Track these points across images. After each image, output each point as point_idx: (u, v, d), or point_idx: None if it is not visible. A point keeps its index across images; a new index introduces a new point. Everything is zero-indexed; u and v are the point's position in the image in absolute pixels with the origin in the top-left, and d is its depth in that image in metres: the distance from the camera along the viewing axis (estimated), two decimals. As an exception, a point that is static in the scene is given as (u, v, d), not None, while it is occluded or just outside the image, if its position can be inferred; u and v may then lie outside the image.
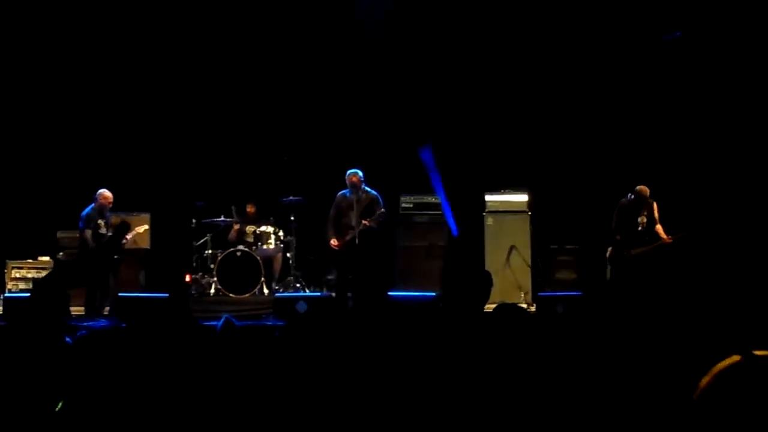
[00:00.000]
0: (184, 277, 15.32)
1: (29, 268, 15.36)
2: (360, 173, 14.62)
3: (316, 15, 16.90)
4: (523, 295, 15.03)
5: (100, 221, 14.32)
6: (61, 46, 16.66)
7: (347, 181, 14.61)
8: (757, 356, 3.37)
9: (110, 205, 14.40)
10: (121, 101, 16.87)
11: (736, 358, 3.38)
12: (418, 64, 16.80)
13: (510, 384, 5.06)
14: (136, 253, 15.45)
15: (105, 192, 14.38)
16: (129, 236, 14.49)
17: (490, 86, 16.64)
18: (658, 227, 14.23)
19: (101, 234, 14.27)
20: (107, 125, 16.82)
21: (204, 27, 16.87)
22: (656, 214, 14.23)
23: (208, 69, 17.00)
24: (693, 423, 3.37)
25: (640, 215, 14.20)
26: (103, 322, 13.68)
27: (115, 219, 14.51)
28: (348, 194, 14.62)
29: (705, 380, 3.36)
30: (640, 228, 14.23)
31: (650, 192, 14.09)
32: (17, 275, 15.27)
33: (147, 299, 13.87)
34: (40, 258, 15.52)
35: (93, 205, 14.37)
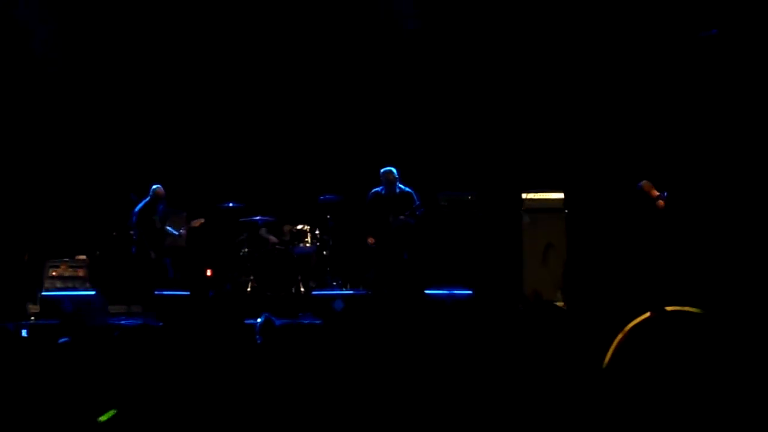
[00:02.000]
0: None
1: (67, 267, 15.42)
2: (395, 171, 14.66)
3: (350, 12, 16.91)
4: (559, 293, 14.96)
5: (154, 217, 14.93)
6: (112, 54, 16.79)
7: (382, 179, 14.66)
8: (668, 311, 3.37)
9: (163, 201, 14.82)
10: (154, 102, 16.94)
11: (647, 314, 3.39)
12: (454, 62, 16.78)
13: (540, 378, 5.05)
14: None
15: (159, 188, 15.05)
16: (182, 231, 14.97)
17: (527, 84, 16.60)
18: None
19: (156, 228, 14.66)
20: (144, 126, 16.90)
21: (247, 31, 16.93)
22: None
23: (243, 70, 17.03)
24: (609, 377, 3.38)
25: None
26: (138, 321, 13.77)
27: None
28: (383, 192, 14.66)
29: (619, 337, 3.37)
30: None
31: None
32: (54, 274, 15.33)
33: (179, 297, 13.96)
34: (77, 257, 15.58)
35: (147, 199, 14.99)
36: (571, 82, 16.43)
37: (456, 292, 14.58)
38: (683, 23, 15.61)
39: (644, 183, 14.35)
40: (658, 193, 14.19)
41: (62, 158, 16.64)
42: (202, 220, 15.42)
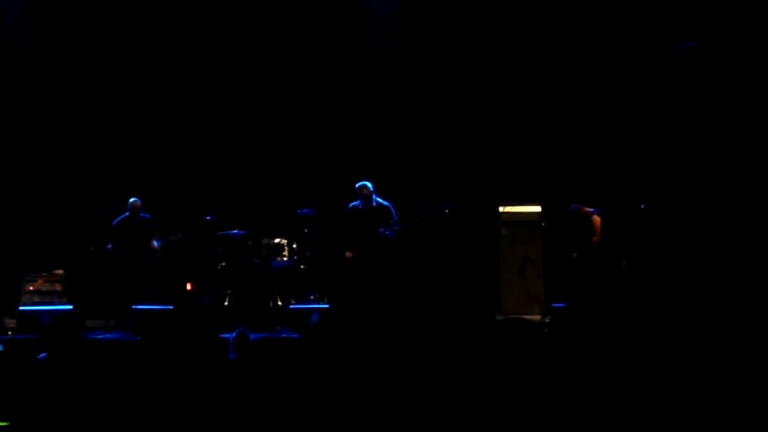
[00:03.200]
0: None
1: (44, 281, 15.37)
2: (370, 185, 14.69)
3: (323, 27, 16.97)
4: (536, 307, 14.98)
5: (133, 231, 14.97)
6: (86, 66, 16.80)
7: (358, 194, 14.69)
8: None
9: (140, 213, 15.03)
10: (132, 117, 16.93)
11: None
12: (431, 75, 16.83)
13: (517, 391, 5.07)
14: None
15: (135, 201, 15.11)
16: (158, 244, 14.97)
17: (504, 97, 16.66)
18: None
19: (134, 242, 14.84)
20: (122, 139, 16.87)
21: (221, 46, 16.97)
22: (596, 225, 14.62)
23: (220, 84, 17.04)
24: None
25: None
26: (116, 335, 13.74)
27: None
28: (360, 206, 14.70)
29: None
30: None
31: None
32: (31, 288, 15.28)
33: (158, 311, 13.92)
34: (54, 271, 15.53)
35: (125, 214, 15.11)
36: (547, 96, 16.50)
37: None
38: (659, 37, 15.73)
39: (577, 206, 14.65)
40: (590, 209, 14.48)
41: (39, 172, 16.59)
42: (180, 235, 15.40)
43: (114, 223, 15.06)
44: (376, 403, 5.06)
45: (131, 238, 14.98)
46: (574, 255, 14.79)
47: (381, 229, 14.55)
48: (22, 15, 16.63)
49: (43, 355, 6.14)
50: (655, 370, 5.52)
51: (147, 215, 15.21)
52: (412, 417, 5.00)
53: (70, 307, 14.39)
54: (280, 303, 14.95)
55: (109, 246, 15.00)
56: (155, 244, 15.13)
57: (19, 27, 16.61)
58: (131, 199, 15.05)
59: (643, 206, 14.37)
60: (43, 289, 15.33)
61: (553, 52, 16.46)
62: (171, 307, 14.23)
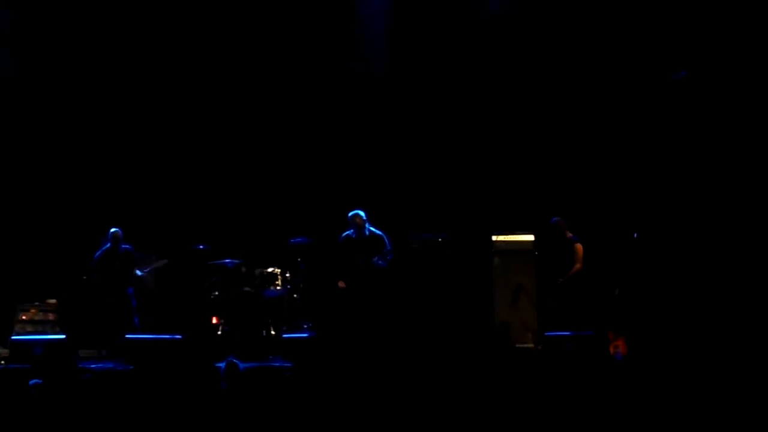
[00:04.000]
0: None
1: (37, 311, 15.35)
2: (363, 214, 14.69)
3: (315, 55, 17.03)
4: (529, 335, 14.97)
5: (116, 262, 14.85)
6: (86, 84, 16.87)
7: (351, 223, 14.69)
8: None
9: (121, 245, 14.92)
10: (123, 145, 16.96)
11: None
12: (424, 104, 16.88)
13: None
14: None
15: (116, 232, 14.96)
16: (146, 271, 14.94)
17: (497, 126, 16.71)
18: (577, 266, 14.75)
19: (117, 273, 14.71)
20: (113, 169, 16.89)
21: (214, 70, 17.02)
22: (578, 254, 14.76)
23: (213, 113, 17.08)
24: None
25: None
26: (109, 365, 13.69)
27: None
28: (353, 235, 14.70)
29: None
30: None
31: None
32: (24, 318, 15.26)
33: (159, 341, 13.85)
34: (47, 301, 15.52)
35: (107, 246, 14.94)
36: (540, 125, 16.55)
37: None
38: (651, 66, 15.80)
39: (558, 220, 14.79)
40: (571, 235, 14.63)
41: (32, 202, 16.59)
42: (166, 261, 15.39)
43: (97, 254, 15.01)
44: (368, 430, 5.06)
45: (114, 269, 14.94)
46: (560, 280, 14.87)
47: (374, 259, 14.54)
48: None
49: (34, 381, 6.12)
50: (648, 394, 5.53)
51: (128, 246, 15.13)
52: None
53: (63, 336, 14.35)
54: (273, 332, 14.92)
55: (94, 277, 14.97)
56: (138, 273, 15.10)
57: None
58: (112, 230, 14.94)
59: (635, 235, 14.39)
60: (36, 318, 15.31)
61: (546, 81, 16.52)
62: (170, 336, 14.12)
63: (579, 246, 14.82)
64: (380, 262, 14.56)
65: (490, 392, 5.44)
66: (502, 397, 5.40)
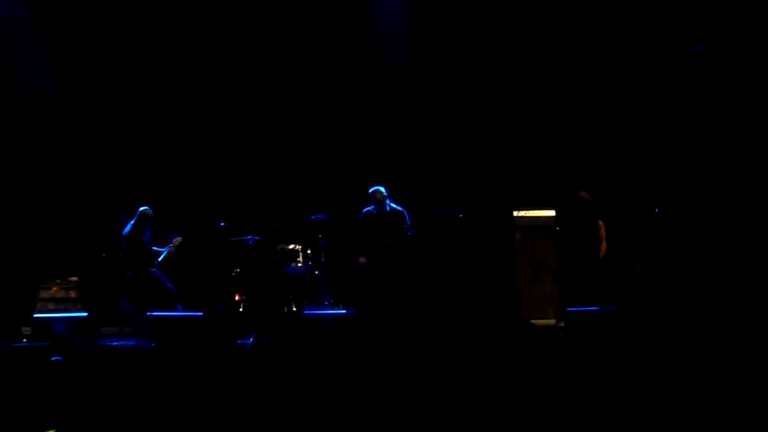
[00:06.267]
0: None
1: (59, 289, 15.37)
2: (383, 190, 14.65)
3: (334, 34, 16.97)
4: (550, 311, 14.94)
5: (141, 238, 14.64)
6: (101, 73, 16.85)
7: (371, 199, 14.65)
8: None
9: (150, 223, 14.77)
10: (145, 122, 16.95)
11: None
12: (444, 80, 16.84)
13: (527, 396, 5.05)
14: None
15: (146, 210, 14.76)
16: (169, 247, 14.90)
17: (518, 102, 16.65)
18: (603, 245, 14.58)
19: (145, 250, 14.54)
20: (135, 145, 16.89)
21: (233, 49, 16.99)
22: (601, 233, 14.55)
23: (232, 88, 17.06)
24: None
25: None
26: (131, 341, 13.72)
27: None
28: (374, 211, 14.67)
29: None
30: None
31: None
32: (46, 296, 15.29)
33: (182, 318, 13.86)
34: (69, 278, 15.53)
35: (134, 221, 14.73)
36: (562, 100, 16.49)
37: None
38: (671, 41, 15.71)
39: (584, 193, 14.71)
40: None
41: (53, 180, 16.60)
42: (180, 239, 15.29)
43: (124, 232, 14.81)
44: (391, 407, 5.04)
45: (141, 245, 14.80)
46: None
47: (394, 236, 14.50)
48: (23, 21, 16.61)
49: (56, 357, 6.14)
50: (669, 373, 5.49)
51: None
52: (428, 420, 4.99)
53: (85, 314, 14.37)
54: (294, 309, 14.93)
55: (122, 255, 14.86)
56: (164, 249, 15.05)
57: (24, 33, 16.61)
58: (141, 208, 14.82)
59: (657, 210, 14.33)
60: (58, 296, 15.33)
61: (567, 56, 16.45)
62: (192, 313, 14.12)
63: (602, 224, 14.75)
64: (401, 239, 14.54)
65: (510, 368, 5.41)
66: (521, 373, 5.37)
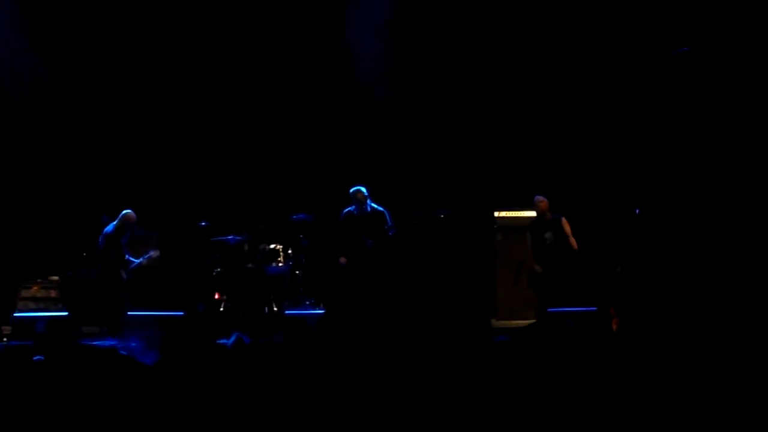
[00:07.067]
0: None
1: (39, 288, 15.32)
2: (364, 190, 14.67)
3: (316, 38, 16.97)
4: (531, 312, 14.97)
5: (122, 241, 14.56)
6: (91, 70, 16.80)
7: (352, 199, 14.67)
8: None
9: (133, 227, 14.67)
10: (126, 122, 16.91)
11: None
12: (425, 81, 16.85)
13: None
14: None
15: (129, 214, 14.63)
16: (144, 261, 14.79)
17: (499, 102, 16.68)
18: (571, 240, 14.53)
19: (120, 253, 14.47)
20: (116, 146, 16.85)
21: (217, 52, 16.98)
22: (566, 229, 14.53)
23: (215, 89, 17.04)
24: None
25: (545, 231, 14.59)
26: (111, 342, 13.68)
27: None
28: (355, 211, 14.68)
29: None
30: (548, 243, 14.55)
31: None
32: (26, 295, 15.24)
33: (162, 317, 13.83)
34: (50, 278, 15.49)
35: (115, 223, 14.61)
36: (542, 101, 16.52)
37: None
38: (654, 42, 15.75)
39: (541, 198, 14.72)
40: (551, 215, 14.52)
41: (34, 179, 16.56)
42: (158, 253, 15.14)
43: (105, 232, 14.69)
44: (370, 409, 5.05)
45: (120, 248, 14.68)
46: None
47: (375, 236, 14.50)
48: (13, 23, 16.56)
49: (38, 357, 6.14)
50: (652, 373, 5.52)
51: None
52: (407, 423, 5.00)
53: (66, 313, 14.34)
54: (275, 309, 14.93)
55: (112, 254, 14.70)
56: (137, 261, 14.89)
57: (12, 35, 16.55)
58: (124, 211, 14.69)
59: (637, 210, 14.37)
60: (39, 295, 15.28)
61: (549, 56, 16.49)
62: (172, 313, 14.10)
63: (565, 220, 14.74)
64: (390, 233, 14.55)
65: (489, 369, 5.43)
66: (501, 374, 5.39)
